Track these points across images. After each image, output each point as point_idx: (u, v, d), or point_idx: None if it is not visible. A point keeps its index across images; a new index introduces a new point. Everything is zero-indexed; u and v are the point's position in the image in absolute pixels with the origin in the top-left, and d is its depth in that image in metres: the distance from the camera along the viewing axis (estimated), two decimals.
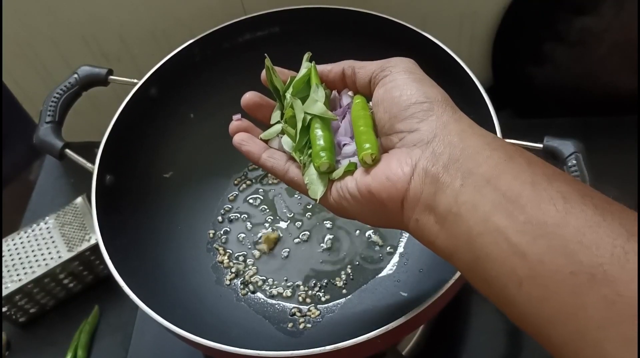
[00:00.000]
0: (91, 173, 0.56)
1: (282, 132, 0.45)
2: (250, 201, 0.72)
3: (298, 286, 0.65)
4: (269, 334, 0.60)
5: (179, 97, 0.68)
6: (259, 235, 0.68)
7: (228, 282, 0.65)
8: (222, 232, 0.70)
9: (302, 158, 0.42)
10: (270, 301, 0.64)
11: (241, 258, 0.68)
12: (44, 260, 0.69)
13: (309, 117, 0.42)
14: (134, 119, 0.62)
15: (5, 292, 0.66)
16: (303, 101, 0.43)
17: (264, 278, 0.65)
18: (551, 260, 0.26)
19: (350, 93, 0.44)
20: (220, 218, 0.71)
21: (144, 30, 0.76)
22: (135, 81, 0.63)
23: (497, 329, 0.65)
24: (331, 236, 0.68)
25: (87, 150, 0.58)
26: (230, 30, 0.67)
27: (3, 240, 0.71)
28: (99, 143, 0.58)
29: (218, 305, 0.62)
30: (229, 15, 0.68)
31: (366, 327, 0.45)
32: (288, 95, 0.45)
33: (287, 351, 0.44)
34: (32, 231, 0.71)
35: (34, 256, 0.69)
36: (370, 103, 0.41)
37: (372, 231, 0.68)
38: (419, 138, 0.34)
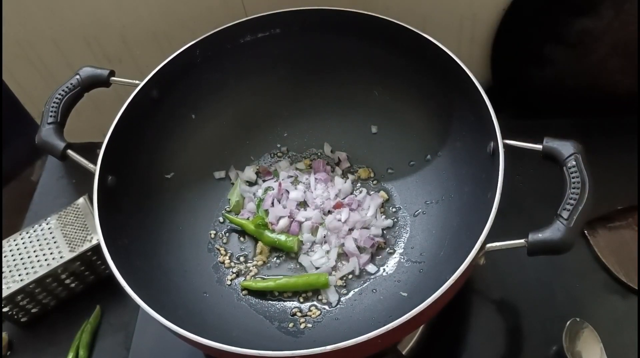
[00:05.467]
0: (93, 174, 0.56)
1: None
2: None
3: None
4: (270, 334, 0.60)
5: (181, 98, 0.68)
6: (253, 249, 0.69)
7: (229, 282, 0.66)
8: (223, 233, 0.70)
9: None
10: (271, 301, 0.64)
11: (242, 259, 0.68)
12: (46, 260, 0.69)
13: None
14: (136, 120, 0.62)
15: (7, 292, 0.66)
16: None
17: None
18: None
19: None
20: (221, 219, 0.71)
21: (146, 31, 0.76)
22: (137, 82, 0.63)
23: (497, 329, 0.65)
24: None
25: (89, 151, 0.58)
26: (231, 32, 0.67)
27: (5, 240, 0.71)
28: (100, 144, 0.58)
29: (219, 305, 0.63)
30: (230, 16, 0.68)
31: (366, 327, 0.45)
32: None
33: (287, 351, 0.44)
34: (34, 231, 0.72)
35: (36, 256, 0.69)
36: None
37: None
38: None
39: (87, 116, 0.74)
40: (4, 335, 0.71)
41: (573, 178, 0.48)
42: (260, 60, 0.71)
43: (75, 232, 0.71)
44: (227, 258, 0.68)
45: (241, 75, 0.72)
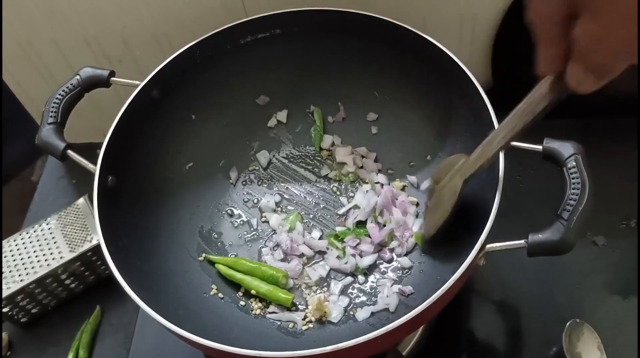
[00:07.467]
0: (93, 174, 0.56)
1: None
2: (252, 202, 0.73)
3: (299, 286, 0.65)
4: (270, 334, 0.60)
5: (181, 98, 0.68)
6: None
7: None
8: (223, 233, 0.70)
9: None
10: None
11: None
12: (46, 260, 0.69)
13: None
14: (136, 121, 0.62)
15: (7, 292, 0.66)
16: None
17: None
18: None
19: None
20: (221, 218, 0.71)
21: (146, 32, 0.76)
22: (137, 82, 0.63)
23: (497, 330, 0.65)
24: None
25: (89, 151, 0.58)
26: (231, 32, 0.67)
27: (5, 241, 0.71)
28: (101, 144, 0.58)
29: (219, 306, 0.63)
30: (231, 17, 0.68)
31: (366, 328, 0.45)
32: None
33: (287, 351, 0.45)
34: (34, 231, 0.72)
35: (36, 256, 0.69)
36: None
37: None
38: None
39: (87, 116, 0.74)
40: (4, 335, 0.71)
41: (573, 178, 0.48)
42: (260, 60, 0.71)
43: (75, 232, 0.71)
44: None
45: (241, 75, 0.72)
